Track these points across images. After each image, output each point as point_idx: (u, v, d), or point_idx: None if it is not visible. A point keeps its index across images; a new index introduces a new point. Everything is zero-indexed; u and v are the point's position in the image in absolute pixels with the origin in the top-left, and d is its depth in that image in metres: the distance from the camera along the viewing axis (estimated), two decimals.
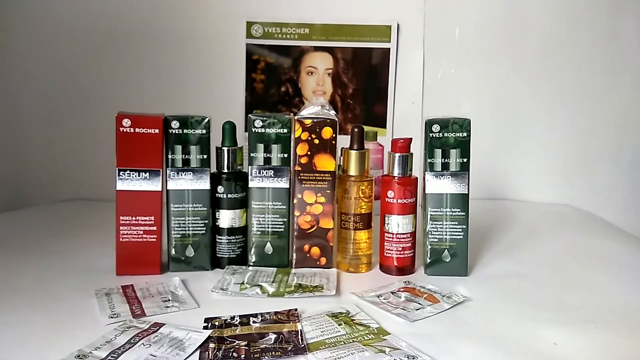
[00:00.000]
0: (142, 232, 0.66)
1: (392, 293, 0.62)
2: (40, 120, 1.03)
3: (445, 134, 0.66)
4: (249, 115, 0.68)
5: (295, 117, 0.68)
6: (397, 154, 0.67)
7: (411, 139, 0.69)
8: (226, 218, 0.69)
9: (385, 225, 0.68)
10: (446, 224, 0.67)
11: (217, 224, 0.69)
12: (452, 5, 1.01)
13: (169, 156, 0.66)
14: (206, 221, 0.68)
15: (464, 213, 0.67)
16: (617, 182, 0.98)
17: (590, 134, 1.00)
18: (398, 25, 1.00)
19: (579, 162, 1.01)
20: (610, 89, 0.98)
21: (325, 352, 0.48)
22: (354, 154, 0.68)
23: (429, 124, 0.67)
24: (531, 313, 0.57)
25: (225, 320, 0.54)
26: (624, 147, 0.97)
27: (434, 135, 0.67)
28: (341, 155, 0.70)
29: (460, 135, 0.66)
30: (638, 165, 0.95)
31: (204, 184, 0.67)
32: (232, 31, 1.00)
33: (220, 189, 0.68)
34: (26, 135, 1.03)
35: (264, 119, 0.68)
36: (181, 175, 0.67)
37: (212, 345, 0.49)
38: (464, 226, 0.67)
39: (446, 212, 0.67)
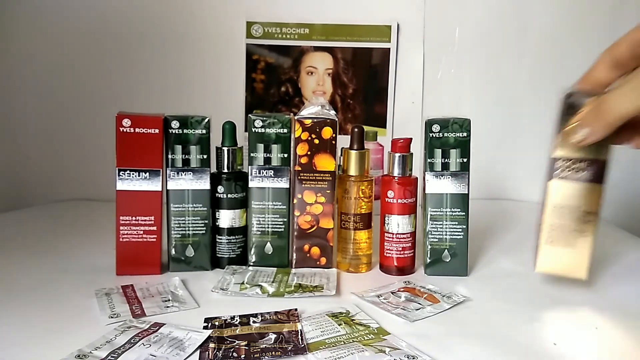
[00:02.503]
0: (142, 232, 0.66)
1: (392, 293, 0.62)
2: (40, 120, 1.03)
3: (445, 134, 0.66)
4: (249, 115, 0.68)
5: (295, 117, 0.68)
6: (397, 154, 0.67)
7: (411, 139, 0.69)
8: (226, 218, 0.69)
9: (385, 225, 0.68)
10: (446, 224, 0.67)
11: (217, 224, 0.69)
12: (452, 5, 1.01)
13: (169, 156, 0.66)
14: (206, 221, 0.68)
15: (464, 213, 0.67)
16: (616, 182, 0.97)
17: None
18: (398, 25, 1.00)
19: None
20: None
21: (325, 352, 0.48)
22: (354, 154, 0.68)
23: (429, 124, 0.67)
24: (531, 313, 0.57)
25: (225, 320, 0.54)
26: (623, 146, 0.97)
27: (434, 135, 0.67)
28: (341, 155, 0.70)
29: (460, 135, 0.66)
30: (638, 164, 0.95)
31: (204, 184, 0.67)
32: (232, 31, 1.00)
33: (220, 189, 0.68)
34: (26, 135, 1.03)
35: (264, 119, 0.68)
36: (181, 175, 0.67)
37: (212, 345, 0.49)
38: (464, 226, 0.67)
39: (446, 212, 0.67)
